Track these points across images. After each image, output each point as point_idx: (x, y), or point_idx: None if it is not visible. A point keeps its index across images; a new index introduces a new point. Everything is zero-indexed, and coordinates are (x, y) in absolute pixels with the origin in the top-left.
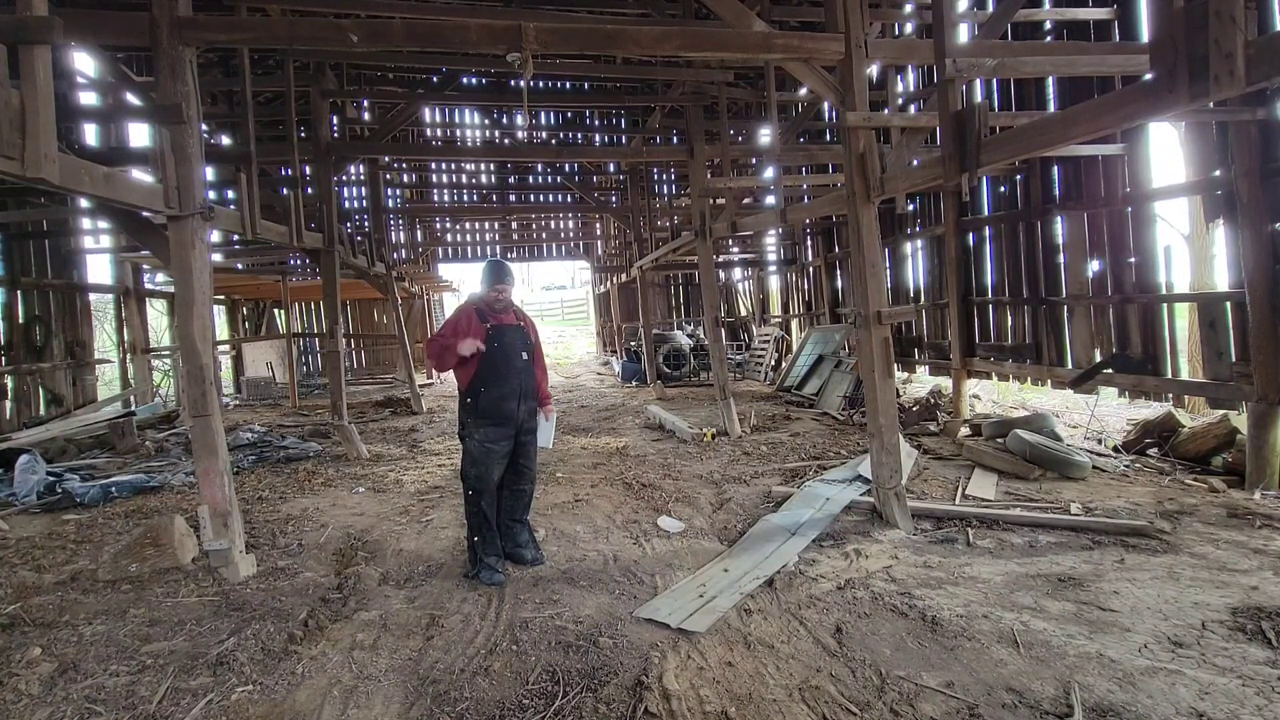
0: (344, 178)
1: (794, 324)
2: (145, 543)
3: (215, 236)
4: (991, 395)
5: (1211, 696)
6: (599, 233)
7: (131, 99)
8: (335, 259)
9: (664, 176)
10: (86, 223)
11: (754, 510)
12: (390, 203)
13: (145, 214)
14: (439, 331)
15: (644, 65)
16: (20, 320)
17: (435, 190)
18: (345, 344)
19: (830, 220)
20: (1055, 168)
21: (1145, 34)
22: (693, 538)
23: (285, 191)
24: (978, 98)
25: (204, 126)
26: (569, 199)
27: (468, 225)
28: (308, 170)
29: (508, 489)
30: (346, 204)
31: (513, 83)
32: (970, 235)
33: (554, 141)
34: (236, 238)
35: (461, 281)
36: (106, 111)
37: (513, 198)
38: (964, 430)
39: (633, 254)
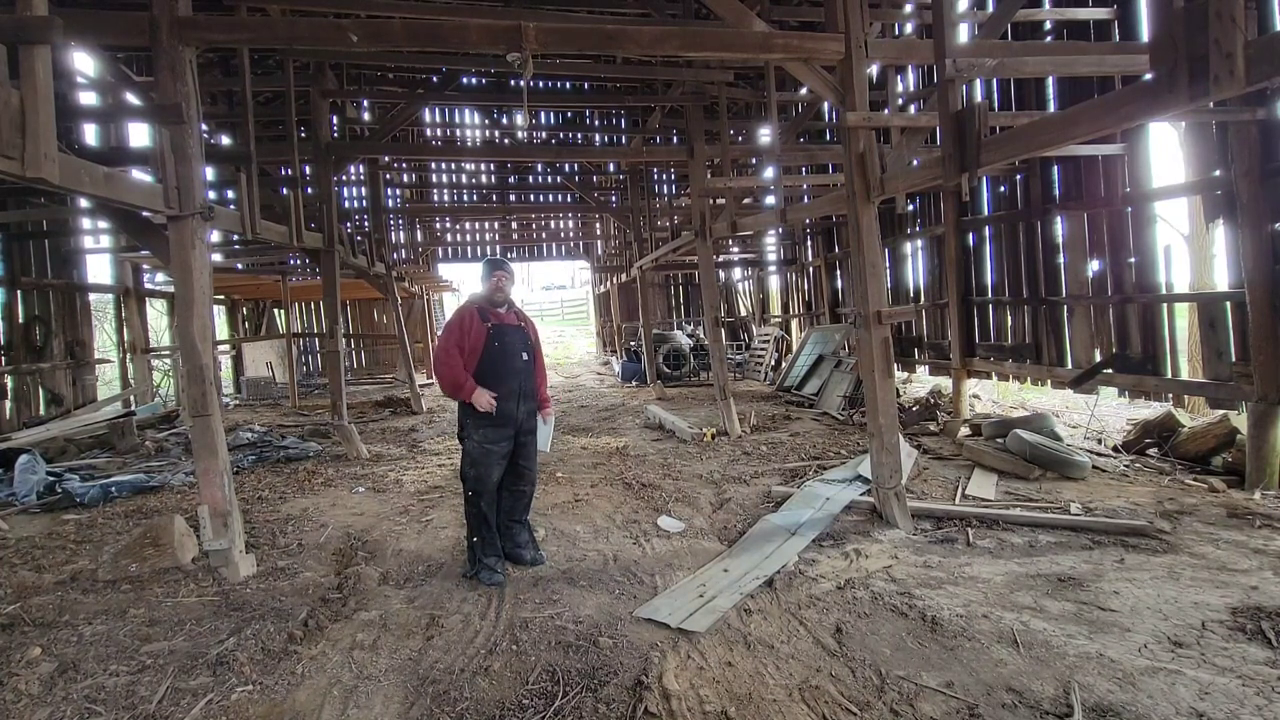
0: (344, 178)
1: (794, 324)
2: (145, 543)
3: (215, 236)
4: (991, 395)
5: (1211, 696)
6: (599, 233)
7: (131, 99)
8: (335, 259)
9: (664, 176)
10: (86, 223)
11: (754, 510)
12: (390, 203)
13: (145, 214)
14: (442, 345)
15: (644, 65)
16: (20, 320)
17: (435, 190)
18: (345, 344)
19: (830, 220)
20: (1055, 168)
21: (1145, 34)
22: (693, 538)
23: (285, 191)
24: (978, 98)
25: (204, 126)
26: (569, 199)
27: (468, 225)
28: (308, 170)
29: (507, 490)
30: (346, 204)
31: (513, 83)
32: (970, 235)
33: (554, 141)
34: (236, 238)
35: (461, 281)
36: (106, 111)
37: (513, 198)
38: (964, 430)
39: (633, 254)
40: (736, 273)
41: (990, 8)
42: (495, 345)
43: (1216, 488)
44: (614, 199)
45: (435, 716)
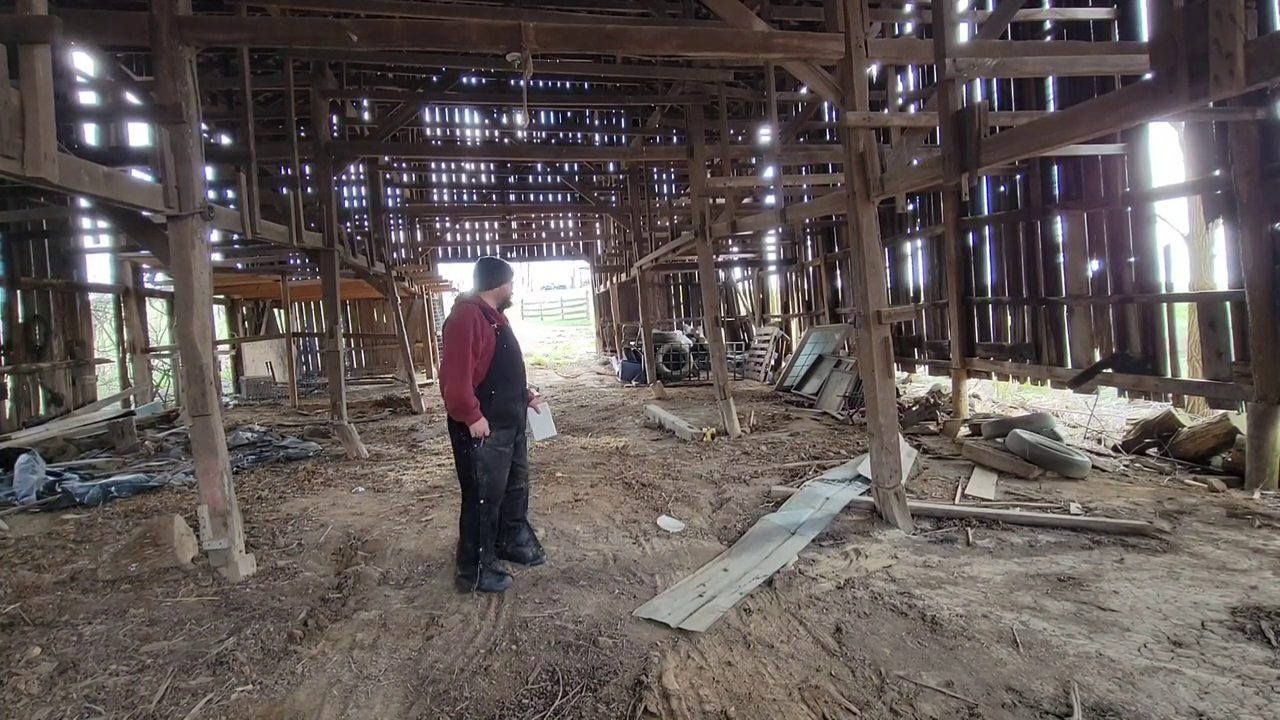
0: (344, 177)
1: (794, 324)
2: (145, 542)
3: (215, 236)
4: (991, 395)
5: (1211, 696)
6: (599, 232)
7: (131, 99)
8: (335, 259)
9: (664, 176)
10: (86, 223)
11: (754, 510)
12: (390, 202)
13: (145, 214)
14: (456, 353)
15: (644, 65)
16: (20, 320)
17: (435, 190)
18: (345, 344)
19: (830, 220)
20: (1055, 167)
21: (1145, 34)
22: (692, 537)
23: (285, 191)
24: (978, 98)
25: (204, 126)
26: (569, 199)
27: (468, 225)
28: (307, 170)
29: (506, 490)
30: (346, 204)
31: (513, 82)
32: (970, 235)
33: (554, 141)
34: (236, 237)
35: (461, 281)
36: (106, 111)
37: (513, 197)
38: (964, 430)
39: (632, 254)
40: (736, 273)
41: (990, 8)
42: (504, 347)
43: (1216, 488)
44: (614, 199)
45: (435, 716)
